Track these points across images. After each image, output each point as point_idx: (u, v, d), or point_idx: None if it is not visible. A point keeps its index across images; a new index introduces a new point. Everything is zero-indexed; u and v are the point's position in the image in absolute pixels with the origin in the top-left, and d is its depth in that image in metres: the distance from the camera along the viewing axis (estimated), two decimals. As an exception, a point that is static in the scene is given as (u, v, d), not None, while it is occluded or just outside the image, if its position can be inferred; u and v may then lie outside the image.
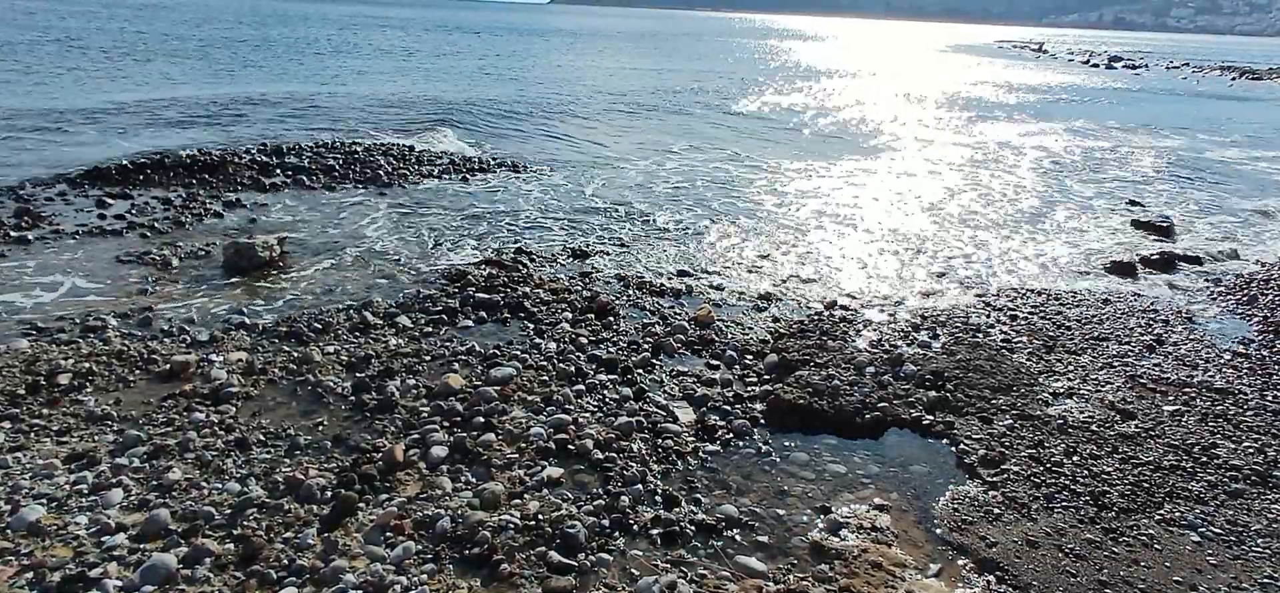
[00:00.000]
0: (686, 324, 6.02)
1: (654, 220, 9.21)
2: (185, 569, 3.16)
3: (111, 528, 3.36)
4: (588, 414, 4.60)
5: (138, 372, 4.82)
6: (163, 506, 3.53)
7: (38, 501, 3.51)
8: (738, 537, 3.62)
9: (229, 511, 3.54)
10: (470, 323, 5.89)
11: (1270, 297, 7.33)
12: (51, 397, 4.43)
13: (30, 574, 3.08)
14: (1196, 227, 10.25)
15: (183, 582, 3.10)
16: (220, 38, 33.55)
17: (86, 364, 4.80)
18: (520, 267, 7.17)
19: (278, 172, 10.20)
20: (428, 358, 5.23)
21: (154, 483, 3.70)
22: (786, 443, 4.47)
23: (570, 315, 6.07)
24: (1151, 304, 7.05)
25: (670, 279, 7.14)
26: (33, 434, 4.05)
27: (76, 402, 4.40)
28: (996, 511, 3.91)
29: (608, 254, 7.82)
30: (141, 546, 3.29)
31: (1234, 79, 44.20)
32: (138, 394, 4.57)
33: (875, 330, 6.07)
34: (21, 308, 5.72)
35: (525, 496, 3.80)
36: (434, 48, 36.92)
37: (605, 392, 4.89)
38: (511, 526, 3.53)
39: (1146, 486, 4.15)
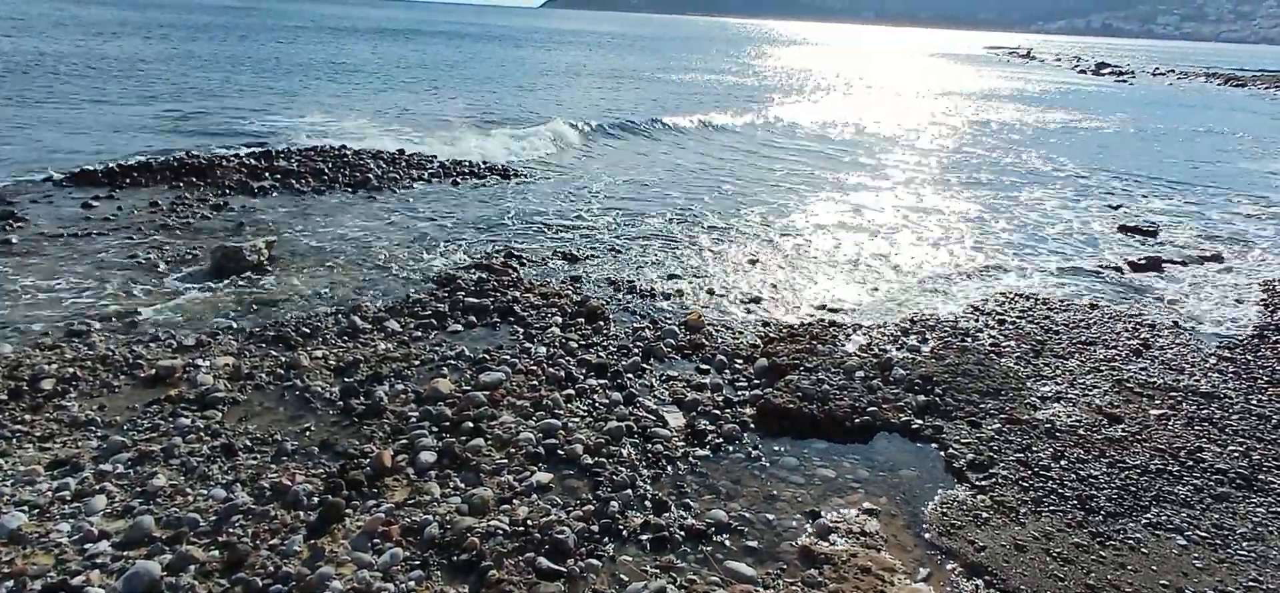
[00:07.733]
0: (677, 329, 6.02)
1: (647, 225, 9.21)
2: (169, 577, 3.12)
3: (94, 535, 3.32)
4: (577, 419, 4.59)
5: (122, 377, 4.77)
6: (147, 512, 3.49)
7: (19, 508, 3.47)
8: (727, 542, 3.62)
9: (214, 517, 3.51)
10: (460, 327, 5.87)
11: (1255, 300, 7.40)
12: (34, 402, 4.38)
13: (10, 583, 3.03)
14: (1182, 230, 10.34)
15: (166, 590, 3.07)
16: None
17: (70, 369, 4.74)
18: (510, 271, 7.15)
19: (267, 175, 10.14)
20: (417, 362, 5.21)
21: (138, 490, 3.67)
22: (776, 447, 4.47)
23: (560, 320, 6.06)
24: (1138, 308, 7.11)
25: (661, 283, 7.14)
26: (15, 440, 4.00)
27: (60, 407, 4.35)
28: (985, 515, 3.92)
29: (598, 258, 7.81)
30: (125, 553, 3.25)
31: (1219, 85, 44.70)
32: (122, 399, 4.52)
33: (865, 335, 6.09)
34: (4, 312, 5.65)
35: (514, 501, 3.78)
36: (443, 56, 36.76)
37: (595, 396, 4.88)
38: (500, 531, 3.52)
39: (1133, 489, 4.18)
